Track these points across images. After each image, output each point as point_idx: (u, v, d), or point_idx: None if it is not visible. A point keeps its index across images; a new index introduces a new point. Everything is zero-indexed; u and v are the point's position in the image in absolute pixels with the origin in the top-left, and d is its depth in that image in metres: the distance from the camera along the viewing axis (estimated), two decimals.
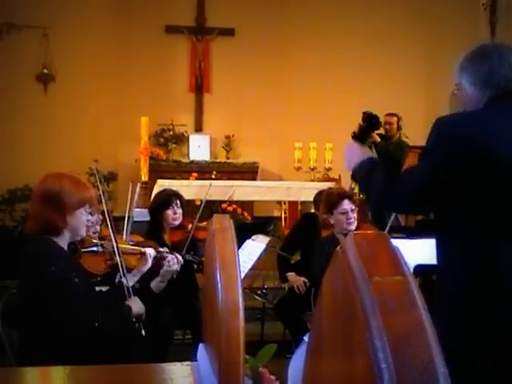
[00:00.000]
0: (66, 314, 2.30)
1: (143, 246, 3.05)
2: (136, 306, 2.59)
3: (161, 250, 3.30)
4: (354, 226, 3.98)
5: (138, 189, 3.62)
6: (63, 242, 2.44)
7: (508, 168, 1.88)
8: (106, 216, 2.75)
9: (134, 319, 2.57)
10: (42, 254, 2.36)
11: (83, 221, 2.44)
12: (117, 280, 2.94)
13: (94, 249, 2.84)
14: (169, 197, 4.02)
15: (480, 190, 1.89)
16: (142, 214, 4.20)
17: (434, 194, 1.96)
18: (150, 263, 2.89)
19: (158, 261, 3.10)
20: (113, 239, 2.73)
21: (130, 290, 2.62)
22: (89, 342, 2.34)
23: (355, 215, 4.02)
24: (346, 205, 3.97)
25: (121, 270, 2.67)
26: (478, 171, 1.88)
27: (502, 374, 1.90)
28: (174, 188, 4.43)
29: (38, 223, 2.39)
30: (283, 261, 4.68)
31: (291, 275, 4.46)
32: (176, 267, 3.25)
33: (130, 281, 2.71)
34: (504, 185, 1.90)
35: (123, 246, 2.96)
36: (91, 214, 2.56)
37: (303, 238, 4.63)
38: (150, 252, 2.94)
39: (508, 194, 1.90)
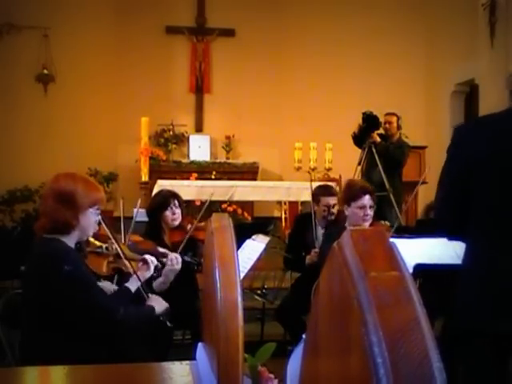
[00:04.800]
0: (90, 309, 2.34)
1: (144, 252, 3.04)
2: (158, 304, 2.64)
3: (161, 250, 3.29)
4: (368, 223, 3.89)
5: (136, 208, 3.73)
6: (71, 242, 2.46)
7: (500, 171, 1.95)
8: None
9: (160, 317, 2.62)
10: (54, 255, 2.37)
11: (93, 221, 2.49)
12: (114, 283, 2.94)
13: (99, 250, 2.85)
14: (166, 198, 3.99)
15: (479, 193, 1.96)
16: (142, 215, 4.18)
17: (457, 202, 2.02)
18: (152, 270, 2.89)
19: (161, 261, 3.10)
20: (118, 246, 2.77)
21: (143, 290, 2.65)
22: (113, 335, 2.37)
23: (372, 213, 3.95)
24: (366, 200, 3.86)
25: (132, 271, 2.70)
26: (475, 175, 1.96)
27: (501, 360, 1.97)
28: (175, 188, 4.40)
29: (51, 221, 2.41)
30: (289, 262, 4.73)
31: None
32: (179, 266, 3.25)
33: (133, 286, 2.70)
34: (498, 187, 1.95)
35: (126, 251, 2.96)
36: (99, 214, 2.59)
37: (300, 240, 4.64)
38: (152, 259, 2.94)
39: (505, 195, 1.95)
